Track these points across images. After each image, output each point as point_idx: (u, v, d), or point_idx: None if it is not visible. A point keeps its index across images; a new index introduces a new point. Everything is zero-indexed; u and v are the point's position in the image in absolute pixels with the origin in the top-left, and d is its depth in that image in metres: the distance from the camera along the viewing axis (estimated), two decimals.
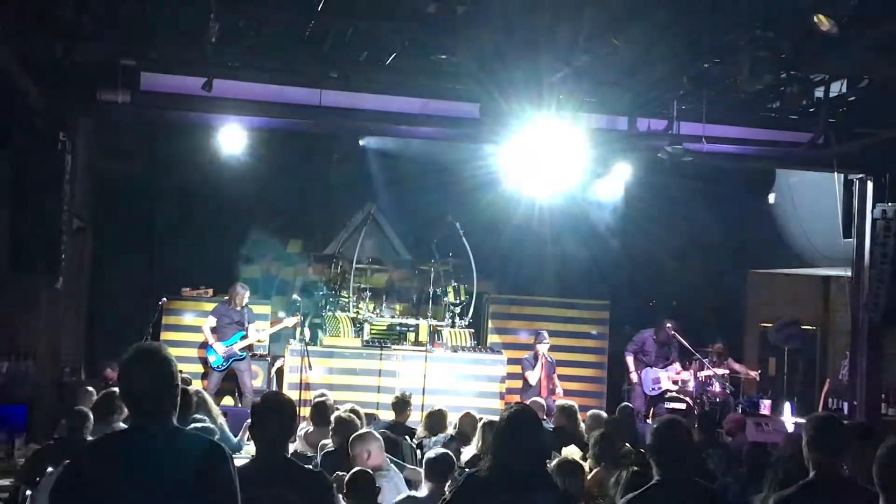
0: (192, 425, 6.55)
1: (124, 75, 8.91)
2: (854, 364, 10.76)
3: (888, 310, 10.19)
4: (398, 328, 12.80)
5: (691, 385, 12.42)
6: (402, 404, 8.94)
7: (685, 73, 8.17)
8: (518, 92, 9.36)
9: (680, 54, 7.88)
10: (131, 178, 12.82)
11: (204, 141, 12.46)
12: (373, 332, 12.57)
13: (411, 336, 12.73)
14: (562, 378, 12.76)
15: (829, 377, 12.61)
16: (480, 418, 8.23)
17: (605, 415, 9.17)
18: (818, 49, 7.34)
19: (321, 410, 8.03)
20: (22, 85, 8.13)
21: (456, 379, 12.03)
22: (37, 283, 8.98)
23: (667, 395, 12.51)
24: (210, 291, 12.71)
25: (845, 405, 11.09)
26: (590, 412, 9.22)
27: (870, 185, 10.60)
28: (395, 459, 6.55)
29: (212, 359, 11.45)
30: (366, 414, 8.80)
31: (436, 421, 8.46)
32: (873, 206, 10.45)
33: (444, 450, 5.96)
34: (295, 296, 13.12)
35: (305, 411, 9.41)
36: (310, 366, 11.23)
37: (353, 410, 7.34)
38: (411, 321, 12.82)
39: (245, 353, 11.55)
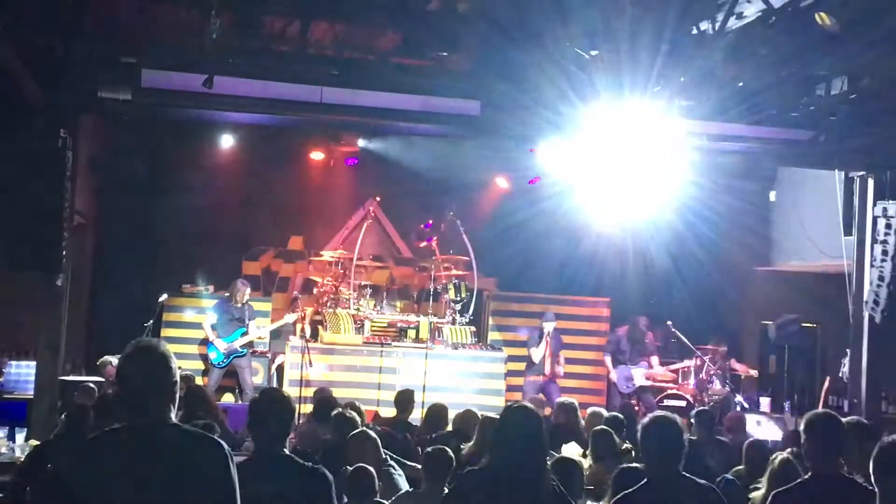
0: (192, 422, 6.57)
1: (125, 72, 8.91)
2: (854, 362, 10.76)
3: (888, 307, 10.19)
4: (399, 325, 12.81)
5: (662, 378, 12.40)
6: (404, 401, 8.95)
7: (686, 71, 8.17)
8: (518, 89, 9.37)
9: (682, 51, 7.89)
10: (132, 175, 12.81)
11: (205, 137, 12.50)
12: (373, 329, 12.58)
13: (412, 333, 12.74)
14: (566, 374, 12.76)
15: (829, 375, 12.60)
16: (480, 415, 8.24)
17: (605, 412, 9.17)
18: (819, 47, 7.35)
19: (322, 407, 8.04)
20: (23, 82, 8.13)
21: (456, 376, 12.04)
22: (37, 280, 8.98)
23: (667, 392, 12.48)
24: (211, 288, 12.72)
25: (845, 403, 11.08)
26: (590, 409, 9.23)
27: (870, 182, 10.59)
28: (395, 456, 6.56)
29: (212, 355, 11.46)
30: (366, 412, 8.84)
31: (436, 417, 8.46)
32: (874, 204, 10.45)
33: (442, 446, 5.97)
34: (295, 292, 13.12)
35: (306, 408, 9.43)
36: (310, 363, 11.24)
37: (353, 406, 7.34)
38: (412, 318, 12.83)
39: (246, 350, 11.56)
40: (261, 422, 4.14)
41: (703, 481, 4.18)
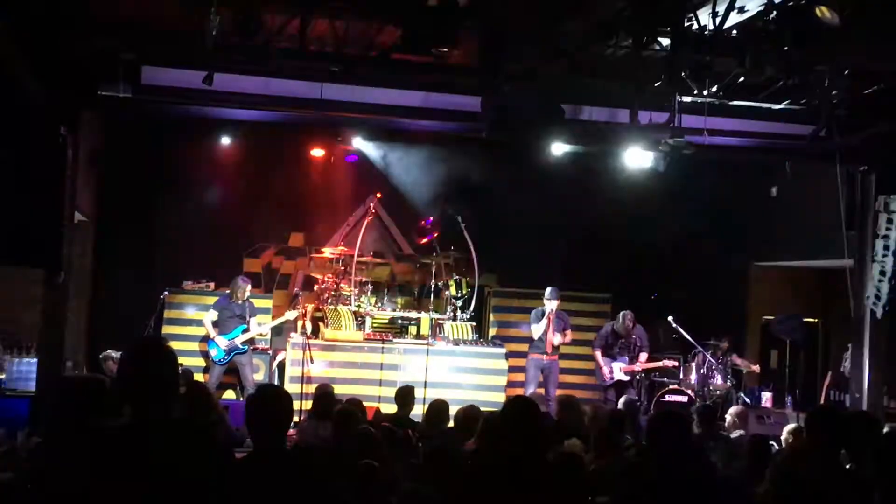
0: (193, 419, 6.56)
1: (125, 69, 8.91)
2: (856, 357, 10.76)
3: (890, 302, 10.19)
4: (400, 322, 12.81)
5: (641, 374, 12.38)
6: (404, 397, 8.95)
7: (687, 66, 8.15)
8: (519, 85, 9.37)
9: (683, 47, 7.87)
10: (133, 172, 12.81)
11: (205, 134, 12.49)
12: (374, 325, 12.57)
13: (413, 329, 12.74)
14: (563, 371, 12.75)
15: (830, 370, 12.60)
16: (482, 411, 8.24)
17: (606, 407, 9.17)
18: (820, 42, 7.33)
19: (323, 404, 8.04)
20: (23, 79, 8.12)
21: (457, 372, 12.04)
22: (39, 277, 8.98)
23: (669, 388, 12.47)
24: (212, 285, 12.71)
25: (847, 398, 11.09)
26: (592, 405, 9.23)
27: (872, 177, 10.58)
28: (397, 453, 6.56)
29: (213, 352, 11.46)
30: (368, 408, 8.83)
31: (437, 413, 8.46)
32: (875, 199, 10.45)
33: (443, 443, 5.97)
34: (297, 289, 13.12)
35: (307, 405, 9.43)
36: (311, 359, 11.23)
37: (353, 403, 7.35)
38: (413, 315, 12.83)
39: (246, 347, 11.56)
40: (258, 419, 4.13)
41: (708, 477, 4.18)
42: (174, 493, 3.13)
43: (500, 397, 11.64)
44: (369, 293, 12.70)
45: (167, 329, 12.09)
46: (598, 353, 12.14)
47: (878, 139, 10.05)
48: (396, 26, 8.31)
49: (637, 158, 12.53)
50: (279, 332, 12.63)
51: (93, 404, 6.83)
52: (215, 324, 11.57)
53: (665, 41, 7.97)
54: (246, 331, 11.53)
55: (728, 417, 9.43)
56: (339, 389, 9.87)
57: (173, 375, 3.36)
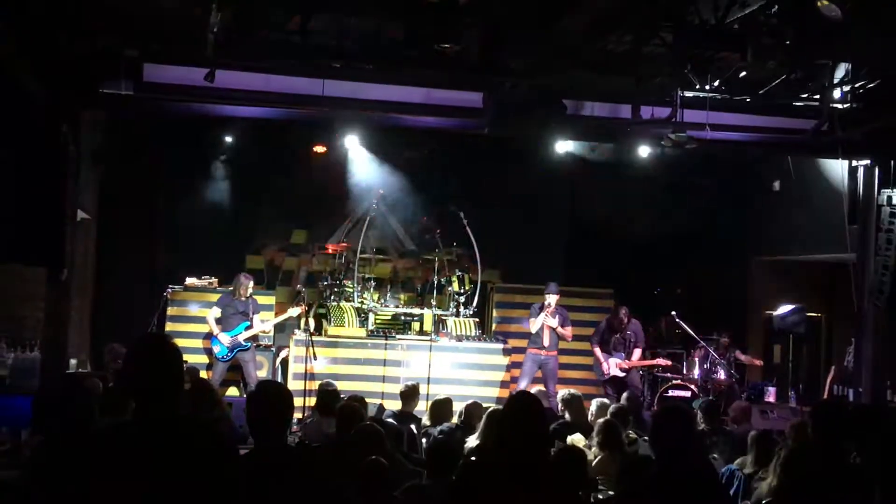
0: (198, 416, 6.56)
1: (127, 67, 8.90)
2: (859, 351, 10.75)
3: (893, 296, 10.18)
4: (403, 318, 12.81)
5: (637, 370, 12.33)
6: (410, 394, 8.95)
7: (689, 61, 8.14)
8: (521, 80, 9.36)
9: (685, 42, 7.86)
10: (135, 169, 12.81)
11: (208, 131, 12.48)
12: (377, 321, 12.57)
13: (416, 326, 12.74)
14: (566, 366, 12.75)
15: (834, 364, 12.60)
16: (486, 407, 8.24)
17: (610, 403, 9.16)
18: (822, 36, 7.31)
19: (327, 400, 8.04)
20: (24, 77, 8.12)
21: (461, 368, 12.04)
22: (41, 275, 8.99)
23: (672, 383, 12.47)
24: (215, 282, 12.71)
25: (850, 392, 11.08)
26: (595, 400, 9.23)
27: (875, 171, 10.57)
28: (400, 450, 6.56)
29: (216, 349, 11.46)
30: (371, 403, 8.84)
31: (441, 409, 8.46)
32: (878, 193, 10.43)
33: (446, 439, 5.97)
34: (299, 286, 13.12)
35: (310, 402, 9.44)
36: (314, 356, 11.24)
37: (357, 399, 7.34)
38: (416, 311, 12.83)
39: (249, 344, 11.56)
40: (259, 416, 4.13)
41: (713, 472, 4.17)
42: (178, 491, 3.13)
43: (504, 393, 11.66)
44: (372, 289, 12.70)
45: (170, 326, 12.09)
46: (597, 349, 12.12)
47: (880, 133, 10.03)
48: (398, 23, 8.30)
49: (639, 153, 12.57)
50: (282, 328, 12.63)
51: (96, 402, 6.85)
52: (218, 321, 11.58)
53: (667, 35, 7.96)
54: (249, 328, 11.53)
55: (731, 412, 9.43)
56: (343, 386, 9.87)
57: (178, 372, 3.36)
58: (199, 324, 12.06)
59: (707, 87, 8.86)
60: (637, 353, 12.11)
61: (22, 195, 8.44)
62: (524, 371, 11.83)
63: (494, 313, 13.45)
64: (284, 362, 12.20)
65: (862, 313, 10.66)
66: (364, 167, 13.73)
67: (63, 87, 8.71)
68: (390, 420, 7.82)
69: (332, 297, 12.54)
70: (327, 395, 8.24)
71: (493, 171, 14.08)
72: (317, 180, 13.80)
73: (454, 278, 12.57)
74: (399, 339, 12.10)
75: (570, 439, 7.22)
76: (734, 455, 7.42)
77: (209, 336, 11.73)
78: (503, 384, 12.01)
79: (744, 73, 8.64)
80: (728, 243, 14.50)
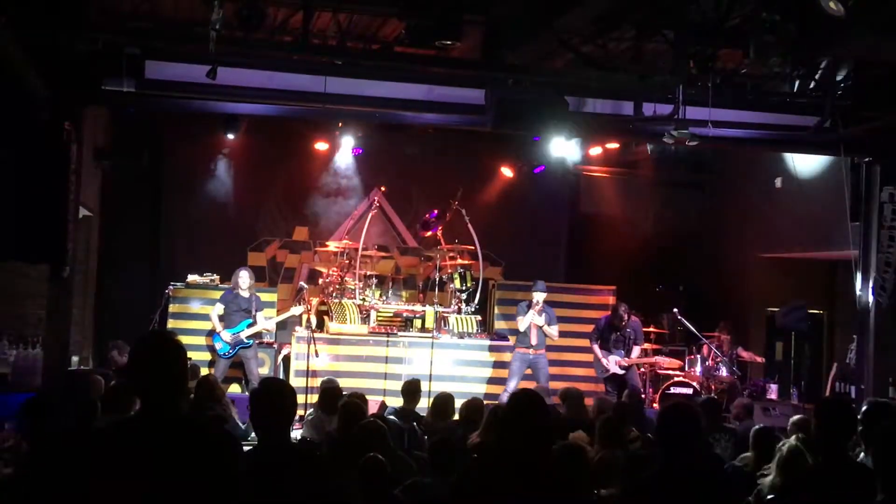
0: (202, 413, 6.58)
1: (129, 64, 8.90)
2: (861, 348, 10.74)
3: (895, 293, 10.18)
4: (404, 315, 12.81)
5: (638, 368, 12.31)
6: (411, 391, 8.94)
7: (692, 58, 8.14)
8: (523, 77, 9.36)
9: (687, 38, 7.86)
10: (137, 166, 12.82)
11: (209, 128, 12.49)
12: (379, 319, 12.57)
13: (417, 323, 12.74)
14: (568, 363, 12.75)
15: (836, 361, 12.59)
16: (487, 404, 8.25)
17: (611, 400, 9.17)
18: (825, 32, 7.31)
19: (329, 397, 8.04)
20: (26, 75, 8.12)
21: (462, 365, 12.05)
22: (44, 272, 9.00)
23: (674, 380, 12.47)
24: (217, 279, 12.72)
25: (853, 389, 11.08)
26: (595, 397, 9.23)
27: (877, 168, 10.56)
28: (402, 447, 6.57)
29: (218, 346, 11.45)
30: (373, 401, 8.84)
31: (442, 406, 8.46)
32: (880, 190, 10.42)
33: (448, 436, 5.97)
34: (301, 283, 13.13)
35: (312, 398, 9.45)
36: (316, 353, 11.24)
37: (357, 396, 7.34)
38: (417, 308, 12.83)
39: (251, 341, 11.53)
40: (262, 412, 4.14)
41: (718, 469, 4.17)
42: (180, 489, 3.13)
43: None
44: (374, 286, 12.71)
45: (172, 323, 12.10)
46: (596, 346, 12.08)
47: (882, 130, 10.01)
48: (400, 19, 8.30)
49: (642, 150, 12.57)
50: (284, 325, 12.64)
51: (98, 400, 6.87)
52: (221, 318, 11.57)
53: (669, 33, 7.96)
54: (251, 325, 11.52)
55: (733, 409, 9.43)
56: (344, 383, 9.87)
57: (182, 371, 3.36)
58: (201, 321, 12.06)
59: (709, 84, 8.86)
60: (636, 350, 12.07)
61: (24, 192, 8.45)
62: (513, 371, 11.68)
63: (496, 310, 13.44)
64: (286, 359, 12.21)
65: (864, 310, 10.66)
66: (366, 164, 13.75)
67: (65, 84, 8.71)
68: (392, 417, 7.82)
69: (334, 294, 12.54)
70: (329, 392, 8.24)
71: (494, 168, 14.09)
72: (319, 177, 13.81)
73: (456, 275, 12.57)
74: (401, 336, 12.11)
75: (571, 436, 7.22)
76: (736, 452, 7.42)
77: (211, 333, 11.73)
78: (505, 381, 12.00)
79: (746, 70, 8.64)
80: (730, 240, 14.50)
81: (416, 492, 5.49)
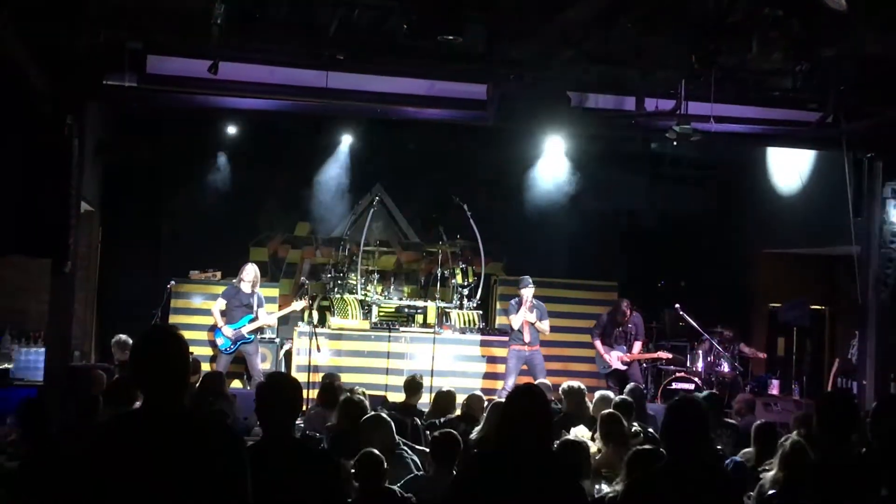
0: (204, 408, 6.59)
1: (130, 59, 8.90)
2: (863, 343, 10.74)
3: None
4: (406, 310, 12.81)
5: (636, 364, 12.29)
6: (413, 386, 8.95)
7: (694, 53, 8.12)
8: (525, 73, 9.34)
9: (689, 33, 7.84)
10: (139, 161, 12.82)
11: (211, 124, 12.49)
12: (381, 314, 12.58)
13: (419, 318, 12.74)
14: (569, 359, 12.76)
15: (838, 357, 12.59)
16: (488, 399, 8.25)
17: (613, 395, 9.16)
18: (827, 28, 7.29)
19: (330, 392, 8.05)
20: (28, 70, 8.12)
21: (464, 361, 12.06)
22: (46, 267, 9.00)
23: (675, 375, 12.48)
24: (218, 274, 12.72)
25: (854, 385, 11.07)
26: (598, 392, 9.23)
27: (879, 163, 10.54)
28: (406, 442, 6.57)
29: (220, 341, 11.45)
30: (372, 395, 8.84)
31: (444, 402, 8.48)
32: (883, 185, 10.41)
33: (450, 430, 5.97)
34: (303, 278, 13.13)
35: (314, 393, 9.46)
36: (318, 348, 11.24)
37: (357, 391, 7.35)
38: (419, 303, 12.83)
39: (253, 336, 11.52)
40: (268, 406, 4.14)
41: (721, 466, 4.16)
42: (182, 483, 3.14)
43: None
44: (375, 282, 12.71)
45: (174, 318, 12.11)
46: (598, 342, 12.07)
47: (885, 125, 10.00)
48: (402, 14, 8.28)
49: (643, 145, 12.55)
50: (286, 320, 12.64)
51: (100, 394, 6.87)
52: (223, 313, 11.57)
53: (671, 28, 7.94)
54: (253, 320, 11.50)
55: (735, 404, 9.43)
56: (346, 378, 9.91)
57: (184, 364, 3.36)
58: (202, 316, 12.07)
59: (711, 80, 8.85)
60: (638, 345, 12.07)
61: (26, 187, 8.45)
62: (509, 368, 11.62)
63: (498, 306, 13.44)
64: (288, 354, 12.22)
65: (866, 306, 10.65)
66: (368, 159, 13.74)
67: (67, 79, 8.70)
68: (393, 412, 7.83)
69: (336, 290, 12.55)
70: (329, 387, 8.25)
71: (496, 163, 14.08)
72: (320, 172, 13.80)
73: (458, 271, 12.57)
74: (402, 331, 12.12)
75: (573, 432, 7.23)
76: (738, 447, 7.42)
77: (213, 328, 11.74)
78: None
79: (748, 66, 8.61)
80: (732, 236, 14.49)
81: (416, 487, 5.50)
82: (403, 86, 9.74)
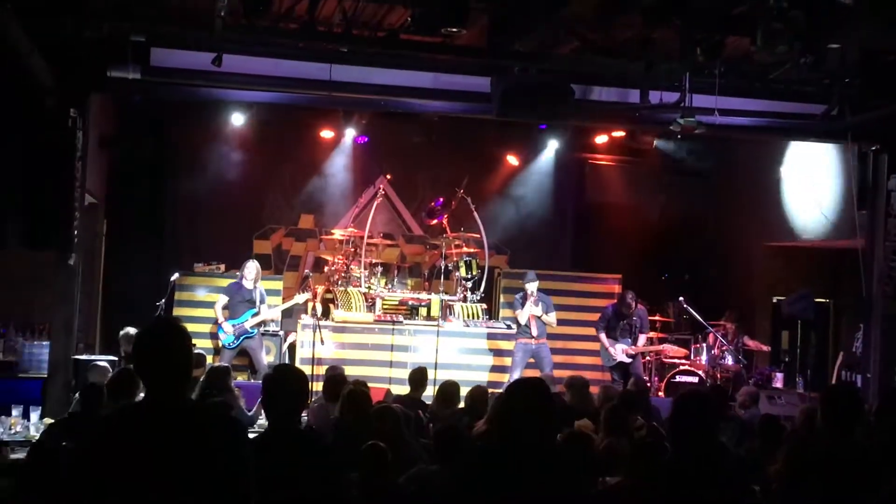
0: (208, 400, 6.60)
1: (134, 51, 8.90)
2: (867, 337, 10.72)
3: None
4: (410, 303, 12.81)
5: (645, 357, 12.28)
6: (418, 379, 8.95)
7: (698, 45, 8.10)
8: (529, 65, 9.32)
9: (693, 25, 7.82)
10: (143, 154, 12.82)
11: (215, 116, 12.49)
12: (385, 307, 12.58)
13: (423, 311, 12.74)
14: (573, 352, 12.76)
15: (842, 350, 12.57)
16: (492, 392, 8.25)
17: (617, 388, 9.17)
18: (832, 20, 7.27)
19: (334, 384, 8.05)
20: (33, 63, 8.12)
21: (468, 353, 12.05)
22: (50, 259, 9.01)
23: (679, 368, 12.47)
24: (222, 267, 12.73)
25: (858, 378, 11.06)
26: (602, 385, 9.23)
27: (884, 156, 10.52)
28: (411, 434, 6.58)
29: (222, 337, 11.41)
30: (374, 389, 8.84)
31: (448, 394, 8.47)
32: (888, 178, 10.39)
33: (453, 424, 5.98)
34: (307, 271, 13.12)
35: (318, 386, 9.46)
36: (322, 341, 11.24)
37: (361, 384, 7.35)
38: (423, 296, 12.83)
39: (255, 331, 11.48)
40: (274, 398, 4.15)
41: (726, 459, 4.15)
42: (186, 475, 3.14)
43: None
44: (379, 274, 12.70)
45: (178, 311, 12.11)
46: (602, 335, 12.06)
47: (890, 118, 9.97)
48: (405, 7, 8.28)
49: (648, 138, 12.52)
50: (290, 313, 12.64)
51: (105, 387, 6.88)
52: (225, 307, 11.56)
53: (676, 20, 7.92)
54: (256, 315, 11.49)
55: (738, 397, 9.43)
56: (350, 371, 9.89)
57: (187, 357, 3.36)
58: (206, 309, 12.06)
59: (716, 72, 8.83)
60: (642, 338, 12.06)
61: (31, 180, 8.47)
62: (515, 361, 11.66)
63: (501, 298, 13.45)
64: (292, 347, 12.22)
65: (870, 299, 10.64)
66: (371, 152, 13.73)
67: (71, 72, 8.71)
68: (397, 405, 7.83)
69: (340, 282, 12.55)
70: (332, 380, 8.25)
71: (500, 156, 14.07)
72: (324, 165, 13.81)
73: (461, 263, 12.57)
74: (406, 324, 12.11)
75: (577, 424, 7.23)
76: (741, 440, 7.42)
77: (217, 322, 11.74)
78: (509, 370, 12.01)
79: (753, 57, 8.59)
80: (736, 229, 14.47)
81: (420, 479, 5.50)
82: (407, 78, 9.72)
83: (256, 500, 3.24)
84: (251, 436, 3.93)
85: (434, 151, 13.71)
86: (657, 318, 13.25)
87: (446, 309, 12.50)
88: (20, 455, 6.74)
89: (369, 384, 8.12)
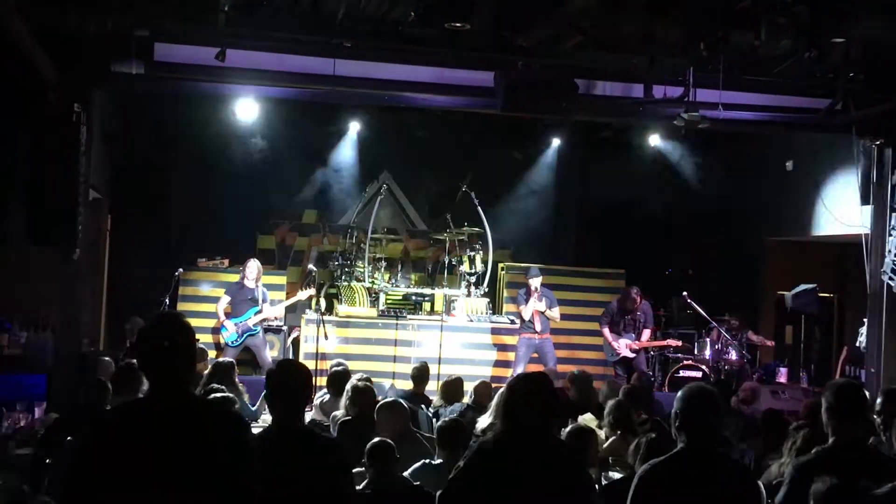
0: (211, 395, 6.60)
1: (138, 46, 8.89)
2: (871, 331, 10.70)
3: None
4: (413, 298, 12.82)
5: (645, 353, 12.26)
6: (421, 375, 8.96)
7: (702, 40, 8.07)
8: (533, 60, 9.31)
9: (697, 19, 7.79)
10: (147, 149, 12.83)
11: (219, 111, 12.49)
12: (388, 301, 12.59)
13: (427, 306, 12.75)
14: (577, 347, 12.77)
15: (846, 345, 12.56)
16: (496, 387, 8.25)
17: (621, 383, 9.16)
18: (836, 14, 7.24)
19: (338, 380, 8.06)
20: (36, 57, 8.12)
21: (471, 348, 12.06)
22: (54, 254, 9.02)
23: (683, 363, 12.46)
24: (226, 262, 12.74)
25: (862, 373, 11.05)
26: (606, 380, 9.23)
27: (889, 150, 10.49)
28: (416, 429, 6.59)
29: (225, 335, 11.41)
30: (378, 383, 8.85)
31: (452, 390, 8.48)
32: (892, 172, 10.36)
33: (457, 419, 5.98)
34: (310, 266, 13.14)
35: (321, 381, 9.48)
36: (325, 336, 11.26)
37: (366, 379, 7.36)
38: (427, 291, 12.84)
39: (258, 329, 11.50)
40: (277, 393, 4.15)
41: (729, 454, 4.14)
42: (189, 469, 3.15)
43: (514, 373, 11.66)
44: (383, 269, 12.71)
45: (182, 306, 12.14)
46: (606, 330, 12.06)
47: (895, 112, 9.94)
48: (409, 1, 8.25)
49: (651, 133, 12.51)
50: (293, 308, 12.65)
51: (109, 382, 6.90)
52: (228, 307, 11.56)
53: (680, 14, 7.89)
54: (258, 312, 11.49)
55: (741, 393, 9.43)
56: (354, 365, 9.89)
57: (191, 352, 3.37)
58: (211, 303, 12.07)
59: (720, 66, 8.80)
60: (647, 333, 12.05)
61: (34, 175, 8.47)
62: (519, 356, 11.69)
63: (505, 293, 13.46)
64: (295, 342, 12.23)
65: (874, 294, 10.62)
66: (375, 147, 13.73)
67: (74, 66, 8.69)
68: (401, 399, 7.84)
69: (343, 277, 12.55)
70: (336, 375, 8.26)
71: (504, 151, 14.06)
72: (328, 160, 13.80)
73: (465, 258, 12.57)
74: (410, 319, 12.12)
75: (581, 419, 7.23)
76: (744, 435, 7.42)
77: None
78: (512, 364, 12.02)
79: (757, 51, 8.56)
80: (740, 223, 14.46)
81: (424, 474, 5.51)
82: (411, 73, 9.71)
83: (260, 494, 3.24)
84: (255, 431, 3.94)
85: (437, 146, 13.70)
86: (661, 312, 13.25)
87: (450, 304, 12.51)
88: (25, 450, 6.75)
89: (373, 379, 8.13)
